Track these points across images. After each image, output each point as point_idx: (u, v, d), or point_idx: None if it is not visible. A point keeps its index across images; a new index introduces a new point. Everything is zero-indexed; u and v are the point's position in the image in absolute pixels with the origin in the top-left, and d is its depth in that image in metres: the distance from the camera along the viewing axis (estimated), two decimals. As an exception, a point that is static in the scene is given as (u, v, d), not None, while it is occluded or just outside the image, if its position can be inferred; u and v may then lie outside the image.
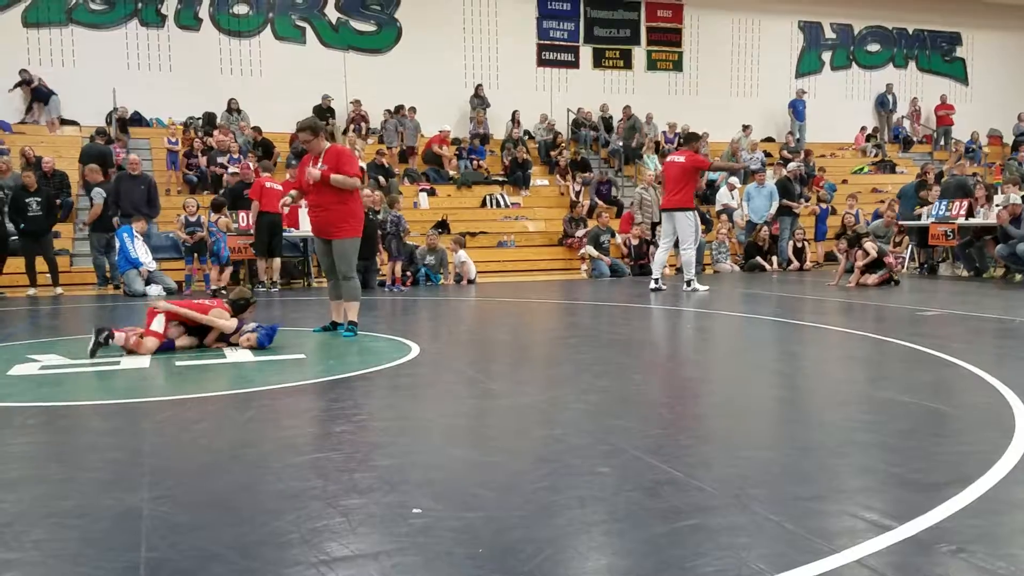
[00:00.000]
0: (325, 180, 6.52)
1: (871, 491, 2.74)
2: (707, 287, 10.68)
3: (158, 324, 5.92)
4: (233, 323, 6.14)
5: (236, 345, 6.06)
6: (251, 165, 13.47)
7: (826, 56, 23.18)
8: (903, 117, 23.46)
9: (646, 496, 2.65)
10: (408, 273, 12.56)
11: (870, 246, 11.35)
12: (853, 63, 23.43)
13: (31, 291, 11.43)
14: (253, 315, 6.49)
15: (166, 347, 5.89)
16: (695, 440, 3.45)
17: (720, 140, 20.26)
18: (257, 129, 16.72)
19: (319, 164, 6.62)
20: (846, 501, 2.63)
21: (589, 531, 2.39)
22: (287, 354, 5.83)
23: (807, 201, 17.24)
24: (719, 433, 3.61)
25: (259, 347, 5.99)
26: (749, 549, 2.22)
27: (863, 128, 22.82)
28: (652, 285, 10.71)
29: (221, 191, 13.77)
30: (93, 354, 5.62)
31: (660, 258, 10.96)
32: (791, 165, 17.13)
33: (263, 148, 16.15)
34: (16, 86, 16.56)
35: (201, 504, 2.66)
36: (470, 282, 12.79)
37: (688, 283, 10.57)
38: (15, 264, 11.89)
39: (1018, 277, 11.64)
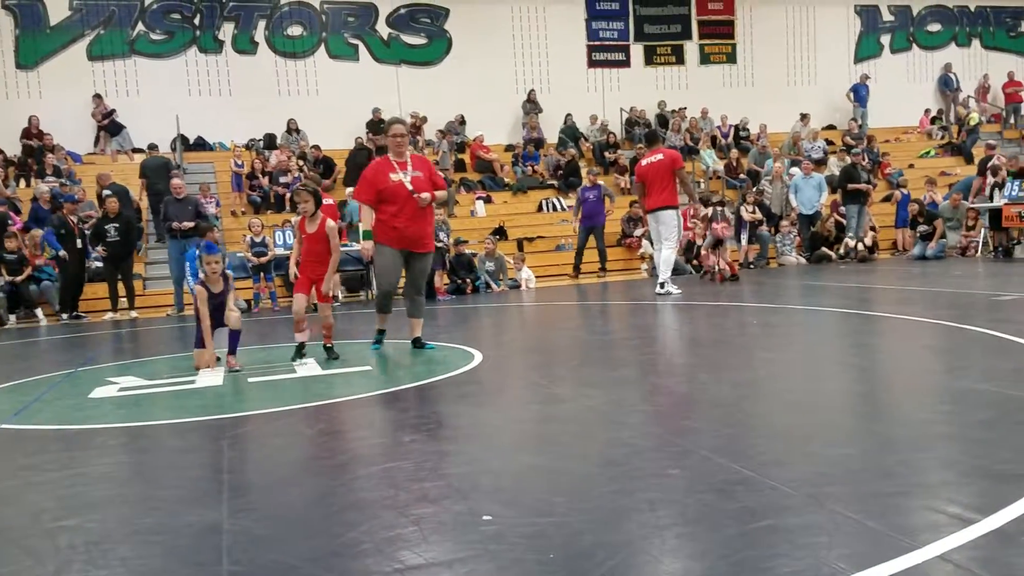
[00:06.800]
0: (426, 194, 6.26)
1: (953, 484, 2.65)
2: (680, 290, 10.09)
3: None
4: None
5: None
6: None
7: (885, 39, 22.56)
8: (969, 97, 22.68)
9: (718, 497, 2.61)
10: (467, 280, 12.63)
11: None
12: (914, 44, 22.77)
13: (109, 315, 11.85)
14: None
15: None
16: (767, 438, 3.39)
17: (779, 131, 19.90)
18: (316, 147, 17.02)
19: (408, 171, 6.28)
20: (927, 496, 2.55)
21: (661, 534, 2.36)
22: (353, 366, 5.92)
23: (874, 188, 16.76)
24: (792, 430, 3.53)
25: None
26: (828, 548, 2.16)
27: (927, 111, 22.15)
28: (658, 290, 10.07)
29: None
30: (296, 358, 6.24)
31: (665, 258, 10.26)
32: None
33: (323, 166, 16.42)
34: (102, 118, 17.04)
35: (278, 517, 2.71)
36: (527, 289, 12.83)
37: (662, 285, 10.03)
38: (96, 289, 12.40)
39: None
